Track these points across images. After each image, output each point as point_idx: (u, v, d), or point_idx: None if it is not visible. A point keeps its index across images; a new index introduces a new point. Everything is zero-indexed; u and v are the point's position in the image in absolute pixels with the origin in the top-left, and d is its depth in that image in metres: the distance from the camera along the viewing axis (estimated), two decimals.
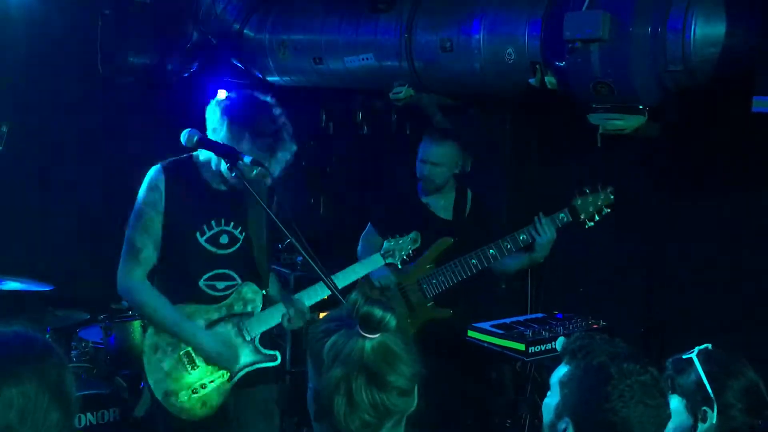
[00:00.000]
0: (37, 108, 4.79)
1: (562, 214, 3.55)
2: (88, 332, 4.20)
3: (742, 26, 3.11)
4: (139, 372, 3.87)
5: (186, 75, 5.40)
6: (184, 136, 2.78)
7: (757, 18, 3.08)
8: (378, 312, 1.43)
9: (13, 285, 3.85)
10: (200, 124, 2.89)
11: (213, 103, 2.86)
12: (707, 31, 3.14)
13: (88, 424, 3.60)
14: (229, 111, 2.79)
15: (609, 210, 3.56)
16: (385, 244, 3.24)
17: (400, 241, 3.25)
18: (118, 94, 5.23)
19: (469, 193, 3.88)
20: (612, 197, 3.56)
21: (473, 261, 3.59)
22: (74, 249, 4.82)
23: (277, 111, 2.85)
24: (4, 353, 1.38)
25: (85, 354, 4.12)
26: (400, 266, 3.33)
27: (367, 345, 1.43)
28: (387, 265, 3.29)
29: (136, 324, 3.98)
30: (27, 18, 4.73)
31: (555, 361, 1.89)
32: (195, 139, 2.76)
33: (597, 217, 3.55)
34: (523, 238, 3.53)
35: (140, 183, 2.90)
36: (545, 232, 3.51)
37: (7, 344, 1.40)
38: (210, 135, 2.82)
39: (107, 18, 5.03)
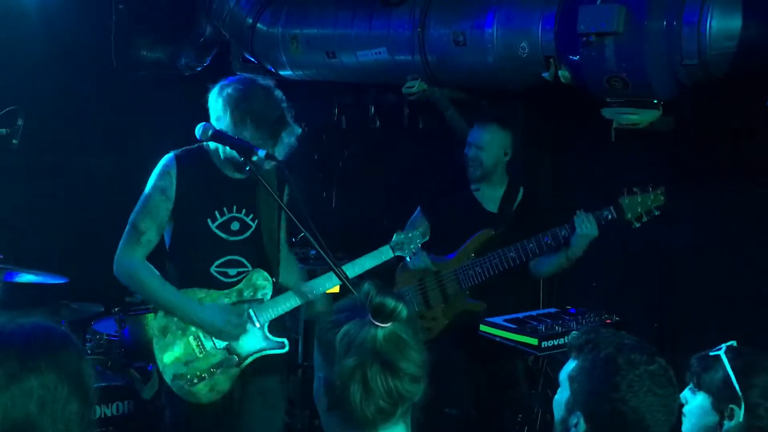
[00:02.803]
0: (52, 102, 4.81)
1: (606, 212, 3.48)
2: (102, 325, 4.23)
3: (758, 20, 3.09)
4: (153, 364, 3.93)
5: (199, 69, 5.41)
6: (198, 130, 2.81)
7: None
8: (391, 302, 1.46)
9: (28, 278, 3.87)
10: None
11: (214, 90, 2.87)
12: (723, 24, 3.12)
13: (102, 415, 3.63)
14: (230, 99, 2.80)
15: (658, 212, 3.46)
16: (395, 237, 3.21)
17: (410, 235, 3.22)
18: (132, 88, 5.25)
19: (521, 190, 3.85)
20: (662, 198, 3.45)
21: (511, 254, 3.56)
22: (89, 242, 4.84)
23: (278, 94, 2.86)
24: (24, 344, 1.39)
25: (100, 346, 4.14)
26: (409, 259, 3.31)
27: (380, 334, 1.45)
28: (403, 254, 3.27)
29: (150, 317, 4.00)
30: (42, 12, 4.75)
31: (567, 356, 1.89)
32: (210, 132, 2.79)
33: (645, 218, 3.45)
34: (564, 234, 3.50)
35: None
36: (584, 227, 3.45)
37: (27, 335, 1.40)
38: (214, 124, 2.84)
39: (121, 12, 5.05)
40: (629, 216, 3.46)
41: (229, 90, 2.82)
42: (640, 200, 3.45)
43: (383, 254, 3.15)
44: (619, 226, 3.52)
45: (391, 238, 3.18)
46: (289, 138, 2.84)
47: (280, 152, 2.83)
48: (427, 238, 3.30)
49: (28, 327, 1.42)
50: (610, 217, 3.48)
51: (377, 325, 1.45)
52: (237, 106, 2.78)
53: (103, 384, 3.72)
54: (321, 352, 1.52)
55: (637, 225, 3.47)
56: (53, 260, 4.25)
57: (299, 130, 2.87)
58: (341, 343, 1.46)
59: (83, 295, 4.30)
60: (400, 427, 1.50)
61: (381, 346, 1.44)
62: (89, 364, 1.46)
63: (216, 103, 2.84)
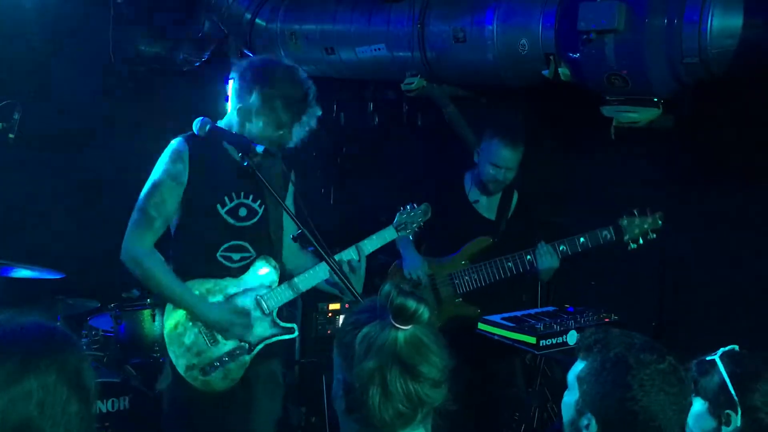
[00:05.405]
0: (49, 96, 4.80)
1: (605, 231, 3.52)
2: (98, 320, 4.21)
3: (760, 18, 3.07)
4: (149, 360, 3.92)
5: (197, 64, 5.40)
6: (196, 125, 2.81)
7: None
8: (412, 304, 1.44)
9: (24, 273, 3.86)
10: (211, 113, 2.90)
11: (236, 73, 2.84)
12: (724, 22, 3.10)
13: (98, 412, 3.59)
14: (258, 79, 2.78)
15: (655, 235, 3.53)
16: (398, 217, 3.19)
17: (412, 213, 3.21)
18: (130, 83, 5.24)
19: (515, 195, 3.84)
20: (660, 223, 3.52)
21: (509, 264, 3.59)
22: (85, 237, 4.83)
23: (302, 74, 2.86)
24: (24, 344, 1.37)
25: (96, 342, 4.12)
26: (411, 238, 3.30)
27: (400, 336, 1.43)
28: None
29: (146, 313, 3.99)
30: (40, 6, 4.73)
31: (565, 354, 1.88)
32: (207, 128, 2.80)
33: (641, 241, 3.51)
34: (562, 248, 3.53)
35: (150, 172, 2.88)
36: (545, 261, 3.49)
37: (27, 335, 1.39)
38: (235, 103, 2.83)
39: (120, 7, 5.03)
40: (627, 238, 3.51)
41: (254, 72, 2.81)
42: (638, 222, 3.50)
43: (387, 235, 3.15)
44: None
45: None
46: (310, 118, 2.84)
47: (299, 133, 2.83)
48: (429, 216, 3.26)
49: (29, 327, 1.40)
50: (609, 237, 3.52)
51: (398, 328, 1.43)
52: (263, 87, 2.77)
53: (99, 380, 3.68)
54: (340, 353, 1.50)
55: (634, 246, 3.51)
56: (49, 256, 4.23)
57: (320, 112, 2.87)
58: (361, 346, 1.44)
59: (79, 291, 4.28)
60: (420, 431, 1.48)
61: (401, 349, 1.43)
62: (89, 365, 1.45)
63: (240, 87, 2.82)
